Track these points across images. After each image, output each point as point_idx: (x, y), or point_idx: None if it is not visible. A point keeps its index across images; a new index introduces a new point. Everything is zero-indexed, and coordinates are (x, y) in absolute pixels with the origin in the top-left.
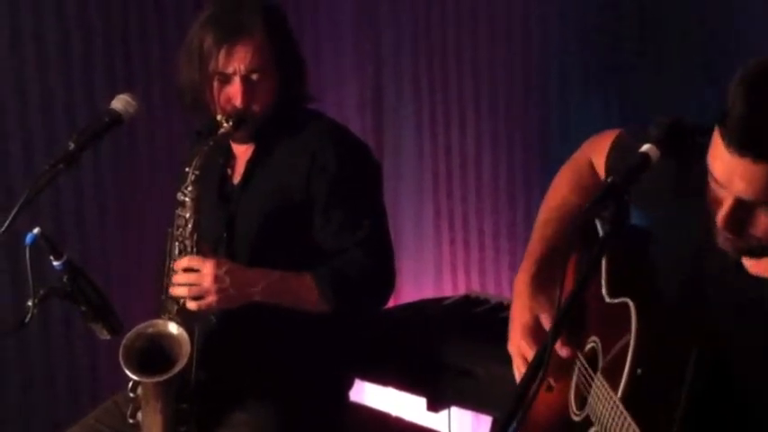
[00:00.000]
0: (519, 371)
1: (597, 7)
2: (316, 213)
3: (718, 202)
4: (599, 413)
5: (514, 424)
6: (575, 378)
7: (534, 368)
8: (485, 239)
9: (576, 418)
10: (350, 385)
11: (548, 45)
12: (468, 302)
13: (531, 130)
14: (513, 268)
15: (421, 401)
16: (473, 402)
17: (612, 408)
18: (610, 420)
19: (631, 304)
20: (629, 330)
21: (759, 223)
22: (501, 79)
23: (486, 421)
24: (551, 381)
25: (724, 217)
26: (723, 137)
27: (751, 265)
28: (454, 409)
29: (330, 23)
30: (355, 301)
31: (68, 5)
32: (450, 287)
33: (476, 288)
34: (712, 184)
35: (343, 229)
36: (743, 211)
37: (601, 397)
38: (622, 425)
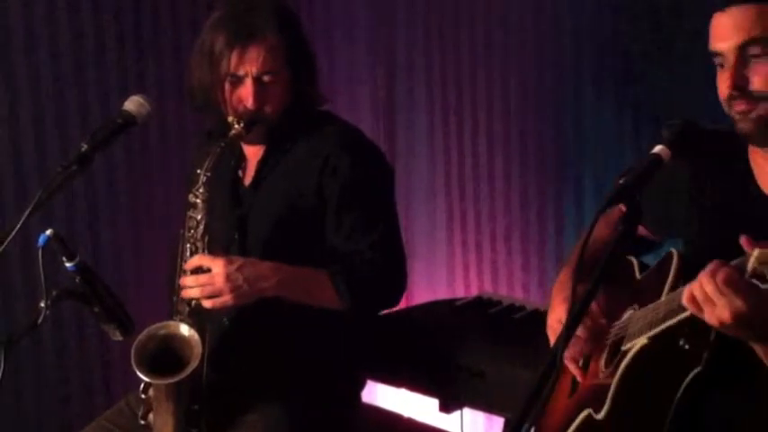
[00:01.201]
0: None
1: (611, 11)
2: (328, 216)
3: (725, 76)
4: (643, 324)
5: (529, 421)
6: (605, 353)
7: (548, 366)
8: (497, 241)
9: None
10: (362, 386)
11: (561, 47)
12: (480, 304)
13: (544, 132)
14: (526, 270)
15: (433, 402)
16: (485, 403)
17: (656, 305)
18: (658, 314)
19: (673, 249)
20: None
21: (758, 72)
22: (514, 81)
23: (498, 422)
24: (578, 377)
25: (730, 74)
26: (715, 9)
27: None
28: (466, 410)
29: (343, 25)
30: (368, 300)
31: (82, 7)
32: (462, 288)
33: (488, 289)
34: (719, 68)
35: (356, 232)
36: (743, 65)
37: (642, 314)
38: (672, 299)
